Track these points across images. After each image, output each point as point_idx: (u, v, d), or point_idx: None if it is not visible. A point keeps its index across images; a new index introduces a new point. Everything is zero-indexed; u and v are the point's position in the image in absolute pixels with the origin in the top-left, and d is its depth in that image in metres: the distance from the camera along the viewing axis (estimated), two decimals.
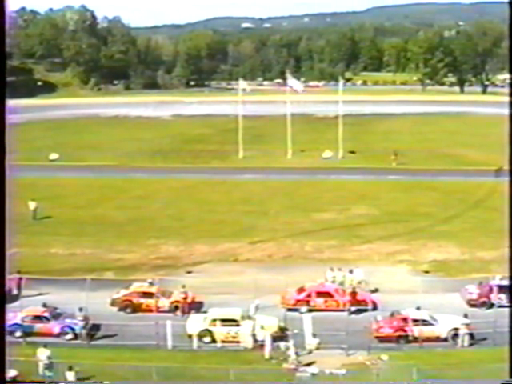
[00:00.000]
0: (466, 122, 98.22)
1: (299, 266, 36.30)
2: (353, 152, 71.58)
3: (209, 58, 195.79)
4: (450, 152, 72.48)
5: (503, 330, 24.63)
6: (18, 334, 27.70)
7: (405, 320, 28.11)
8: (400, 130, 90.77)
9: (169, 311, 30.34)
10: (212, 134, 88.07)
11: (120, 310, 30.78)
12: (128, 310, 30.68)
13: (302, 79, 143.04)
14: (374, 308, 30.72)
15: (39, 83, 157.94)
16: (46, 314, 28.51)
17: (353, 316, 29.26)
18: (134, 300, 30.80)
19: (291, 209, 49.36)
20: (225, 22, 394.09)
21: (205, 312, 29.63)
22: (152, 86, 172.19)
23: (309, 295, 31.13)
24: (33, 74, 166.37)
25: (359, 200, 51.45)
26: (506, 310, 27.30)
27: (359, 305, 30.45)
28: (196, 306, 31.01)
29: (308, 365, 25.84)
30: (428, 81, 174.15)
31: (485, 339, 27.58)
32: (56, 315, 28.72)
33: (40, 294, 31.53)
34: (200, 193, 54.49)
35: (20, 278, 30.07)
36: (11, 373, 21.53)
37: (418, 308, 28.48)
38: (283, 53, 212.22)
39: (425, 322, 28.00)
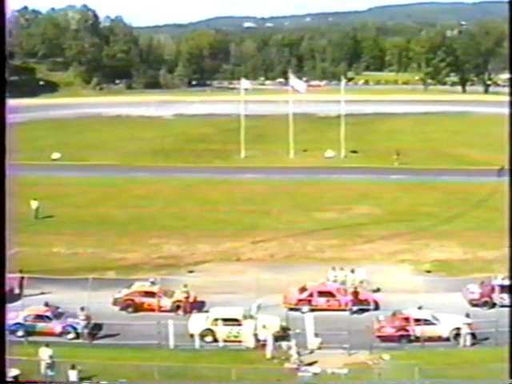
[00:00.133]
0: (468, 122, 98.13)
1: (301, 265, 36.29)
2: (355, 151, 71.56)
3: (211, 58, 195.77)
4: (452, 151, 72.44)
5: (505, 330, 24.52)
6: (20, 333, 27.72)
7: (407, 319, 28.10)
8: (402, 130, 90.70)
9: (171, 311, 30.35)
10: (214, 134, 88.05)
11: (122, 309, 30.80)
12: (130, 309, 30.71)
13: (304, 79, 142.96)
14: (376, 307, 30.72)
15: (41, 83, 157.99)
16: (48, 314, 28.53)
17: (355, 315, 29.28)
18: (135, 299, 30.82)
19: (293, 208, 49.34)
20: (227, 22, 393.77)
21: (207, 311, 29.65)
22: (154, 85, 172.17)
23: (311, 295, 31.13)
24: (35, 73, 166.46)
25: (361, 199, 51.42)
26: (508, 309, 27.27)
27: (361, 304, 30.45)
28: (198, 306, 31.02)
29: (310, 364, 25.84)
30: (430, 80, 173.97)
31: (487, 339, 27.55)
32: (58, 314, 28.73)
33: (42, 294, 31.57)
34: (202, 192, 54.49)
35: (22, 278, 30.13)
36: (13, 372, 21.55)
37: (420, 308, 28.47)
38: (285, 52, 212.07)
39: (427, 322, 27.99)
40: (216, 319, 28.09)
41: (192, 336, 27.80)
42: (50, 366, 24.34)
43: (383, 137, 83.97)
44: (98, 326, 28.74)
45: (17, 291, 30.06)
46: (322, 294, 31.15)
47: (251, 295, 29.44)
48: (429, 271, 35.67)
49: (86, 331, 28.00)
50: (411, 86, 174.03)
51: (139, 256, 38.34)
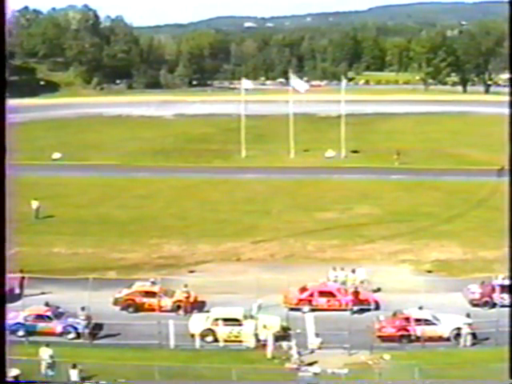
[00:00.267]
0: (468, 122, 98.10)
1: (301, 265, 36.30)
2: (355, 151, 71.57)
3: (211, 58, 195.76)
4: (453, 151, 72.43)
5: (505, 330, 24.51)
6: (21, 333, 27.72)
7: (407, 320, 28.10)
8: (403, 130, 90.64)
9: (171, 310, 30.36)
10: (214, 134, 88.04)
11: (122, 309, 30.82)
12: (130, 309, 30.72)
13: (305, 79, 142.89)
14: (377, 307, 30.74)
15: (42, 82, 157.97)
16: (49, 313, 28.54)
17: (355, 315, 29.30)
18: (136, 299, 30.83)
19: (294, 208, 49.35)
20: (227, 22, 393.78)
21: (207, 311, 29.66)
22: (154, 85, 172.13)
23: (311, 295, 31.14)
24: (35, 73, 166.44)
25: (362, 199, 51.43)
26: (509, 309, 27.25)
27: (361, 304, 30.46)
28: (198, 306, 31.03)
29: (310, 364, 25.85)
30: (431, 80, 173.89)
31: (487, 339, 27.56)
32: (58, 314, 28.75)
33: (42, 293, 31.57)
34: (202, 192, 54.51)
35: (22, 277, 30.12)
36: (13, 372, 21.55)
37: (421, 308, 28.47)
38: (286, 52, 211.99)
39: (427, 322, 27.99)
40: (216, 319, 28.10)
41: (192, 336, 27.81)
42: (51, 366, 24.36)
43: (384, 137, 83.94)
44: (99, 326, 28.76)
45: (17, 291, 30.05)
46: (322, 294, 31.16)
47: (252, 295, 29.45)
48: (429, 271, 35.68)
49: (86, 331, 28.01)
50: (412, 86, 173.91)
51: (140, 256, 38.35)
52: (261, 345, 27.28)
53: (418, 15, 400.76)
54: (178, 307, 30.65)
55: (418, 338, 27.83)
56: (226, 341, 27.86)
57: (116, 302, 31.00)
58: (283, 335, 27.76)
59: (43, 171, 59.70)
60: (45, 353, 24.66)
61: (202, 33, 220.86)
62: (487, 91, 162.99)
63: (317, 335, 27.61)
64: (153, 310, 29.96)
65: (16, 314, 27.79)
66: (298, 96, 76.06)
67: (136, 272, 34.98)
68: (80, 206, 49.18)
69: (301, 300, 31.05)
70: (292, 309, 30.48)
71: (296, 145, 69.48)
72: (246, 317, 28.33)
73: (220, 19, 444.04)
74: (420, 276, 33.81)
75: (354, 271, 32.98)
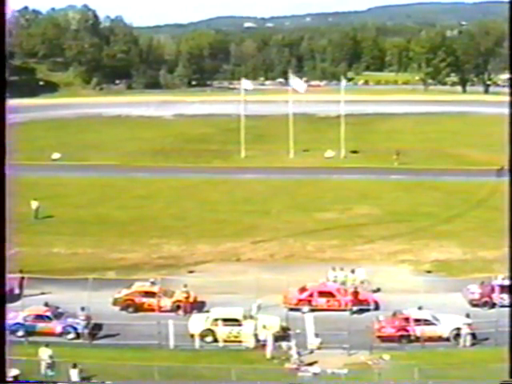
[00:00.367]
0: (468, 122, 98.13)
1: (301, 265, 36.30)
2: (355, 152, 71.59)
3: (211, 58, 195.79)
4: (452, 152, 72.44)
5: (505, 330, 24.52)
6: (20, 333, 27.73)
7: (407, 320, 28.10)
8: (402, 130, 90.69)
9: (171, 311, 30.35)
10: (214, 134, 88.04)
11: (122, 309, 30.81)
12: (130, 309, 30.71)
13: (304, 79, 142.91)
14: (376, 308, 30.73)
15: (41, 83, 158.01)
16: (48, 314, 28.53)
17: (355, 316, 29.29)
18: (136, 299, 30.82)
19: (293, 208, 49.36)
20: (227, 22, 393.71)
21: (207, 311, 29.65)
22: (154, 85, 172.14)
23: (311, 295, 31.14)
24: (35, 73, 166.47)
25: (361, 200, 51.44)
26: (508, 309, 27.24)
27: (361, 304, 30.47)
28: (198, 306, 31.02)
29: (310, 364, 25.85)
30: (430, 80, 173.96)
31: (487, 339, 27.55)
32: (58, 314, 28.73)
33: (42, 294, 31.57)
34: (202, 192, 54.51)
35: (22, 278, 30.11)
36: (13, 372, 21.55)
37: (420, 308, 28.47)
38: (285, 52, 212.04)
39: (427, 322, 27.99)
40: (216, 319, 28.10)
41: (192, 336, 27.81)
42: (50, 366, 24.35)
43: (383, 137, 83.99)
44: (98, 326, 28.75)
45: (17, 291, 30.03)
46: (322, 294, 31.16)
47: (251, 295, 29.43)
48: (429, 271, 35.69)
49: (86, 331, 28.01)
50: (411, 86, 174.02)
51: (139, 256, 38.34)
52: (260, 345, 27.27)
53: (417, 15, 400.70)
54: (178, 307, 30.64)
55: (417, 339, 27.83)
56: (225, 341, 27.86)
57: (115, 302, 30.99)
58: (283, 335, 27.76)
59: (43, 171, 59.71)
60: (44, 353, 24.65)
61: (201, 33, 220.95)
62: (487, 91, 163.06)
63: (316, 335, 27.61)
64: (152, 310, 29.96)
65: (16, 314, 27.78)
66: (298, 96, 76.06)
67: (135, 272, 34.97)
68: (79, 206, 49.17)
69: (300, 300, 31.05)
70: (291, 309, 30.46)
71: (295, 145, 69.50)
72: (245, 317, 28.33)
73: (220, 19, 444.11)
74: (419, 276, 33.81)
75: (353, 271, 32.97)
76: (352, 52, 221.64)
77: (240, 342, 27.75)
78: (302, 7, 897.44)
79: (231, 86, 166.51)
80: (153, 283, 31.43)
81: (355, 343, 26.62)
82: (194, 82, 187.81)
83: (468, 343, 27.56)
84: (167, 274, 34.28)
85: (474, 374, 23.78)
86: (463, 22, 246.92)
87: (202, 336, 27.81)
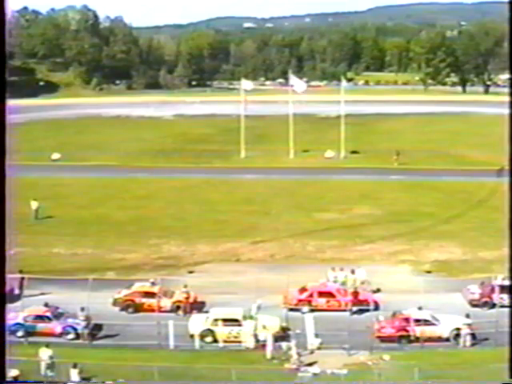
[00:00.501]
0: (468, 122, 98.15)
1: (301, 265, 36.27)
2: (355, 152, 71.59)
3: (211, 58, 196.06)
4: (452, 152, 72.42)
5: (505, 330, 24.53)
6: (20, 333, 27.69)
7: (407, 320, 28.09)
8: (402, 130, 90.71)
9: (171, 311, 30.33)
10: (214, 134, 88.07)
11: (122, 309, 30.78)
12: (130, 309, 30.69)
13: (304, 79, 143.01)
14: (376, 308, 30.70)
15: (41, 83, 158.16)
16: (48, 314, 28.51)
17: (355, 316, 29.28)
18: (135, 300, 30.80)
19: (293, 209, 49.34)
20: (227, 22, 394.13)
21: (207, 312, 29.64)
22: (154, 85, 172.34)
23: (311, 295, 31.12)
24: (35, 73, 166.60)
25: (361, 200, 51.43)
26: (508, 310, 27.25)
27: (361, 305, 30.45)
28: (198, 306, 31.00)
29: (310, 365, 25.83)
30: (430, 81, 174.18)
31: (487, 339, 27.53)
32: (58, 315, 28.71)
33: (42, 294, 31.51)
34: (202, 192, 54.49)
35: (22, 278, 30.09)
36: (12, 372, 21.55)
37: (420, 308, 28.46)
38: (285, 53, 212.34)
39: (427, 322, 27.98)
40: (216, 320, 28.09)
41: (192, 336, 27.80)
42: (50, 367, 24.34)
43: (383, 137, 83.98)
44: (98, 327, 28.73)
45: (17, 291, 30.00)
46: (322, 294, 31.14)
47: (251, 296, 29.40)
48: (429, 272, 35.66)
49: (85, 332, 27.98)
50: (411, 86, 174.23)
51: (139, 256, 38.33)
52: (260, 345, 27.25)
53: (417, 16, 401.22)
54: (178, 308, 30.62)
55: (417, 339, 27.81)
56: (225, 341, 27.85)
57: (115, 303, 30.97)
58: (283, 336, 27.75)
59: (43, 172, 59.69)
60: (44, 353, 24.63)
61: (201, 33, 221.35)
62: (486, 91, 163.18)
63: (316, 336, 27.59)
64: (152, 310, 29.91)
65: (15, 314, 27.77)
66: (298, 96, 76.07)
67: (135, 272, 34.96)
68: (79, 207, 49.16)
69: (300, 300, 31.04)
70: (291, 309, 30.43)
71: (295, 145, 69.50)
72: (245, 317, 28.32)
73: (219, 20, 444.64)
74: (419, 276, 33.73)
75: (353, 272, 32.96)
76: (352, 52, 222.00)
77: (240, 342, 27.74)
78: (302, 7, 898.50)
79: (231, 87, 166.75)
80: (153, 283, 31.41)
81: (355, 343, 26.60)
82: (193, 83, 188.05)
83: (468, 343, 27.54)
84: (167, 274, 34.28)
85: (474, 374, 23.78)
86: (463, 23, 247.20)
87: (202, 336, 27.80)
